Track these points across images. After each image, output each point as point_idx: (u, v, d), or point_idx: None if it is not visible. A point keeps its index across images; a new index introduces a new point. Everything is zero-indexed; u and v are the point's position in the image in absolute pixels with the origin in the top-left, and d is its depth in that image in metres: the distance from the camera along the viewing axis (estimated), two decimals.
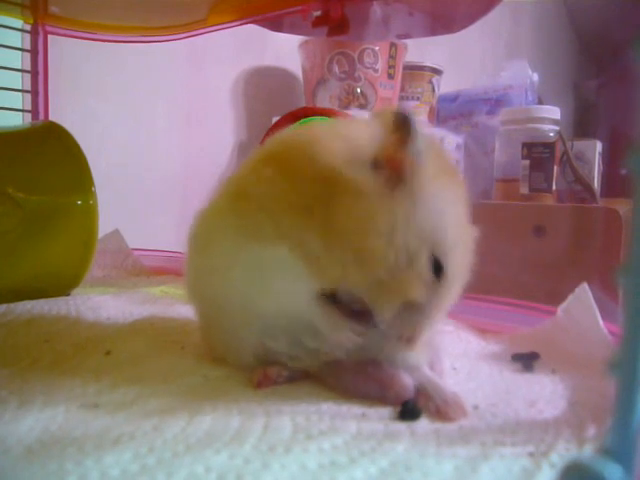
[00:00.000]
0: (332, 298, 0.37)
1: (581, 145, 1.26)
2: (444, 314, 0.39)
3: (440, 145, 0.40)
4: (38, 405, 0.34)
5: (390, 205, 0.34)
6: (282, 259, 0.36)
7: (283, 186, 0.36)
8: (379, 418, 0.34)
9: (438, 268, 0.35)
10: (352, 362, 0.38)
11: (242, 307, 0.39)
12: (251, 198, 0.37)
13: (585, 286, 0.49)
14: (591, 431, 0.33)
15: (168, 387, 0.38)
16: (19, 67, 0.87)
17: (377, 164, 0.35)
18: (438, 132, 1.33)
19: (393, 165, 0.34)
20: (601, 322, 0.46)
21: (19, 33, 0.87)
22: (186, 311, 0.46)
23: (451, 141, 1.34)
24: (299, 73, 1.29)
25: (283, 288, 0.37)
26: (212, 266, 0.40)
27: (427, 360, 0.40)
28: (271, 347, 0.39)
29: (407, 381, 0.37)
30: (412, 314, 0.36)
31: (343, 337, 0.37)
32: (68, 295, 0.66)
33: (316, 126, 0.41)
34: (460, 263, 0.36)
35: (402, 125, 0.34)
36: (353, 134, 0.37)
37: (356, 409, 0.35)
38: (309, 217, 0.35)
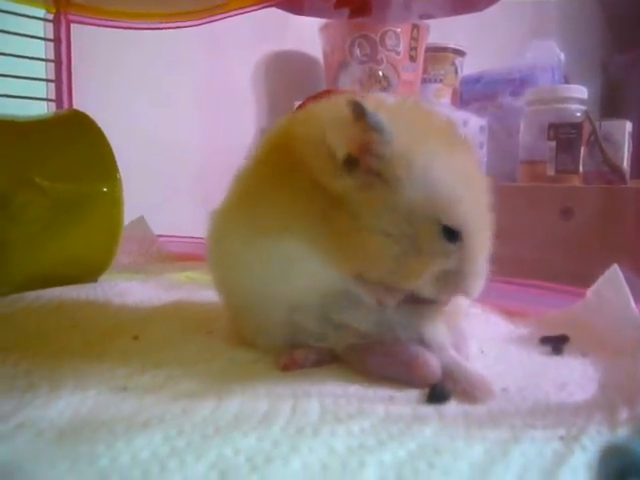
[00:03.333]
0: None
1: (609, 125, 1.23)
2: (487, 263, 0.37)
3: (414, 106, 0.39)
4: (69, 389, 0.35)
5: (378, 196, 0.34)
6: (302, 251, 0.36)
7: (282, 184, 0.37)
8: (407, 401, 0.34)
9: (453, 234, 0.34)
10: (379, 344, 0.38)
11: (269, 292, 0.39)
12: (259, 195, 0.38)
13: (616, 267, 0.48)
14: (624, 414, 0.32)
15: (196, 371, 0.38)
16: (43, 56, 0.87)
17: (351, 162, 0.34)
18: (461, 114, 1.31)
19: (366, 156, 0.34)
20: (633, 304, 0.46)
21: (42, 22, 0.88)
22: (211, 296, 0.47)
23: (475, 123, 1.32)
24: (320, 57, 1.28)
25: (310, 275, 0.37)
26: (234, 259, 0.41)
27: (451, 341, 0.39)
28: (300, 324, 0.40)
29: (434, 363, 0.36)
30: (451, 279, 0.35)
31: (382, 299, 0.36)
32: (96, 282, 0.67)
33: (304, 121, 0.39)
34: (476, 218, 0.35)
35: (358, 114, 0.33)
36: (322, 140, 0.35)
37: (383, 392, 0.35)
38: (314, 219, 0.35)
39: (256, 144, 0.41)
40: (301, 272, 0.37)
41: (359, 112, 0.33)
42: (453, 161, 0.35)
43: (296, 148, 0.37)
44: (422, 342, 0.38)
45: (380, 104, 0.36)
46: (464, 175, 0.35)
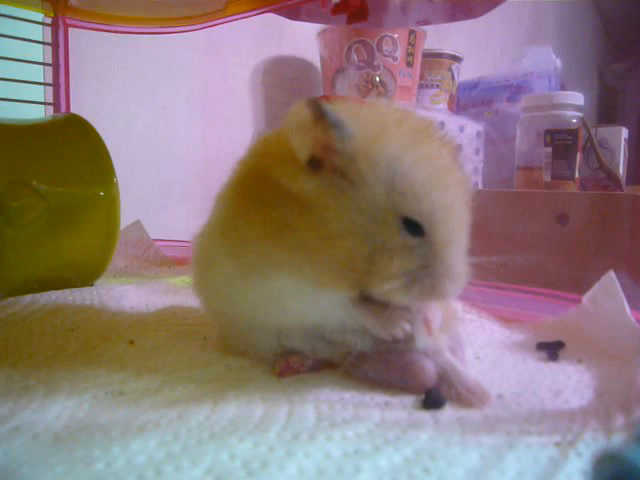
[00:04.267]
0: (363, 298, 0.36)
1: (605, 131, 1.24)
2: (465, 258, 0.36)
3: (376, 105, 0.39)
4: (65, 393, 0.35)
5: (338, 202, 0.33)
6: (291, 285, 0.35)
7: (255, 217, 0.36)
8: (402, 407, 0.34)
9: (414, 227, 0.33)
10: (374, 351, 0.38)
11: (258, 323, 0.39)
12: (236, 231, 0.38)
13: (612, 274, 0.48)
14: (619, 421, 0.32)
15: (192, 376, 0.38)
16: (41, 60, 0.87)
17: (315, 162, 0.34)
18: (458, 120, 1.32)
19: (329, 155, 0.34)
20: (628, 310, 0.46)
21: (40, 26, 0.88)
22: None
23: (471, 129, 1.32)
24: (317, 62, 1.29)
25: (306, 307, 0.37)
26: (221, 291, 0.41)
27: (448, 345, 0.39)
28: (289, 345, 0.39)
29: (430, 368, 0.36)
30: (423, 279, 0.34)
31: (396, 330, 0.36)
32: (92, 285, 0.67)
33: (263, 144, 0.40)
34: (443, 212, 0.34)
35: (318, 113, 0.33)
36: (285, 143, 0.35)
37: (379, 398, 0.35)
38: (288, 240, 0.34)
39: (234, 166, 0.40)
40: (293, 304, 0.37)
41: (318, 112, 0.33)
42: (418, 155, 0.34)
43: (265, 164, 0.36)
44: (418, 344, 0.37)
45: (341, 105, 0.35)
46: (430, 169, 0.34)
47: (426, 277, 0.34)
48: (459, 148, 1.28)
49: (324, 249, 0.34)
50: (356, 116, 0.35)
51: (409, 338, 0.37)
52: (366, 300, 0.36)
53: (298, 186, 0.34)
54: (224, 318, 0.43)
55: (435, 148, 0.35)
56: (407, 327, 0.36)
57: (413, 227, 0.34)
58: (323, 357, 0.40)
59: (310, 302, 0.36)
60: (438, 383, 0.36)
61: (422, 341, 0.37)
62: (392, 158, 0.33)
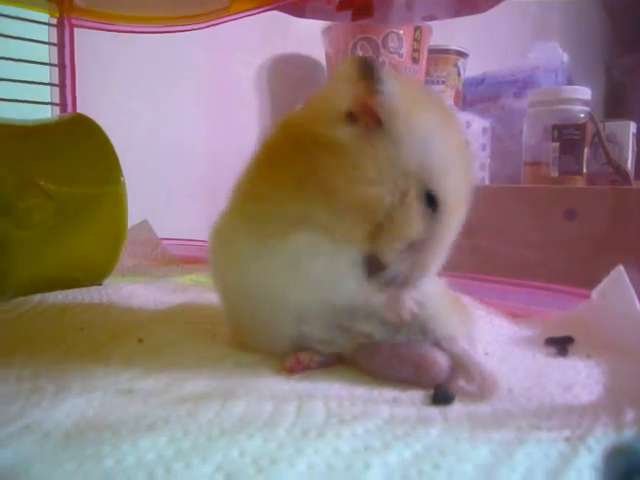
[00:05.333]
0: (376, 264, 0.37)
1: (613, 126, 1.23)
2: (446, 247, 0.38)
3: (418, 83, 0.41)
4: (75, 391, 0.35)
5: (370, 151, 0.35)
6: (308, 243, 0.36)
7: (278, 174, 0.37)
8: (412, 403, 0.34)
9: (433, 200, 0.35)
10: (385, 344, 0.38)
11: (277, 297, 0.39)
12: (257, 196, 0.39)
13: (621, 268, 0.48)
14: (629, 415, 0.32)
15: (201, 374, 0.38)
16: (47, 61, 0.88)
17: (352, 117, 0.35)
18: (464, 116, 1.31)
19: (367, 113, 0.35)
20: (638, 305, 0.45)
21: (46, 27, 0.88)
22: (216, 299, 0.47)
23: (478, 125, 1.32)
24: (323, 59, 1.28)
25: (322, 270, 0.37)
26: (238, 264, 0.41)
27: (464, 332, 0.39)
28: (306, 331, 0.39)
29: (442, 361, 0.36)
30: (416, 252, 0.36)
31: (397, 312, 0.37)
32: (100, 285, 0.67)
33: (292, 113, 0.41)
34: (456, 191, 0.36)
35: (365, 71, 0.34)
36: (328, 95, 0.38)
37: (388, 394, 0.35)
38: (308, 191, 0.36)
39: (254, 147, 0.41)
40: (307, 268, 0.37)
41: (366, 68, 0.34)
42: (447, 135, 0.36)
43: (295, 122, 0.38)
44: (433, 338, 0.38)
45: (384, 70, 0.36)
46: (457, 156, 0.36)
47: (420, 247, 0.36)
48: (483, 148, 1.28)
49: (350, 192, 0.35)
50: (398, 80, 0.36)
51: (418, 327, 0.38)
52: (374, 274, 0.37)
53: (337, 134, 0.35)
54: (241, 303, 0.42)
55: (458, 135, 0.38)
56: (413, 307, 0.37)
57: (431, 201, 0.35)
58: (337, 348, 0.40)
59: (324, 266, 0.37)
60: (448, 378, 0.36)
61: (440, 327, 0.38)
62: (429, 131, 0.35)
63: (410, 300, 0.37)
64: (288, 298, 0.39)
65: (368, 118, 0.35)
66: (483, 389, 0.35)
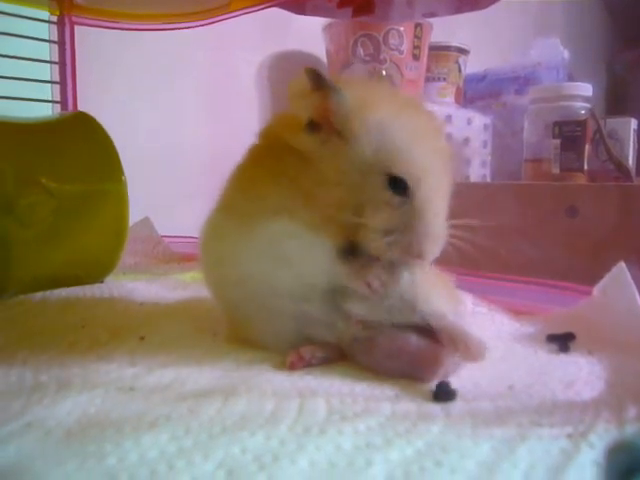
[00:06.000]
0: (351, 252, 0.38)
1: (614, 123, 1.23)
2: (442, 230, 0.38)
3: (370, 81, 0.43)
4: (76, 389, 0.35)
5: (329, 156, 0.37)
6: (286, 228, 0.38)
7: (259, 172, 0.41)
8: (413, 399, 0.34)
9: (400, 184, 0.36)
10: (385, 336, 0.38)
11: (273, 282, 0.40)
12: (243, 191, 0.42)
13: (622, 265, 0.48)
14: (631, 412, 0.32)
15: (202, 371, 0.38)
16: (47, 59, 0.87)
17: (313, 125, 0.38)
18: (465, 113, 1.31)
19: (324, 120, 0.37)
20: (639, 301, 0.45)
21: (46, 25, 0.88)
22: None
23: (479, 122, 1.32)
24: (323, 56, 1.28)
25: (299, 252, 0.39)
26: (227, 255, 0.42)
27: (451, 309, 0.40)
28: (307, 314, 0.40)
29: (440, 354, 0.37)
30: (404, 236, 0.36)
31: (369, 277, 0.37)
32: (102, 282, 0.67)
33: (272, 118, 0.45)
34: (427, 175, 0.37)
35: (316, 82, 0.37)
36: (291, 105, 0.40)
37: (390, 391, 0.35)
38: (283, 188, 0.38)
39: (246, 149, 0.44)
40: (289, 250, 0.39)
41: (317, 80, 0.36)
42: (405, 121, 0.37)
43: (271, 129, 0.42)
44: (421, 315, 0.38)
45: (336, 77, 0.39)
46: (416, 134, 0.37)
47: (406, 235, 0.36)
48: (484, 145, 1.29)
49: (317, 195, 0.37)
50: (351, 84, 0.39)
51: (407, 306, 0.38)
52: (351, 257, 0.38)
53: (299, 142, 0.38)
54: (234, 294, 0.43)
55: (422, 119, 0.39)
56: (382, 276, 0.38)
57: (398, 186, 0.36)
58: (336, 337, 0.40)
59: (301, 249, 0.38)
60: (444, 342, 0.37)
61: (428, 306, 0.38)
62: (382, 121, 0.37)
63: (378, 268, 0.38)
64: (276, 283, 0.40)
65: (326, 125, 0.37)
66: (467, 356, 0.36)
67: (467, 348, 0.36)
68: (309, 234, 0.38)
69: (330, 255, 0.38)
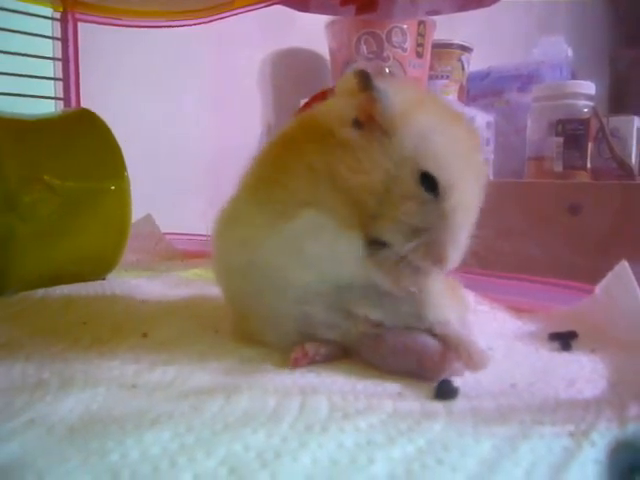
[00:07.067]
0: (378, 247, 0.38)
1: (617, 121, 1.23)
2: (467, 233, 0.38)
3: (415, 84, 0.43)
4: (79, 385, 0.35)
5: (369, 148, 0.37)
6: (312, 223, 0.38)
7: (291, 159, 0.40)
8: (415, 397, 0.34)
9: (432, 183, 0.36)
10: (390, 334, 0.38)
11: (282, 279, 0.40)
12: (269, 179, 0.41)
13: (625, 264, 0.48)
14: (633, 410, 0.32)
15: (204, 368, 0.38)
16: (50, 55, 0.87)
17: (358, 123, 0.38)
18: (468, 111, 1.31)
19: (370, 121, 0.38)
20: None
21: (49, 21, 0.88)
22: (219, 293, 0.47)
23: (482, 119, 1.31)
24: (326, 54, 1.28)
25: (326, 249, 0.38)
26: (245, 245, 0.41)
27: (457, 317, 0.40)
28: (310, 314, 0.40)
29: (445, 352, 0.37)
30: (427, 242, 0.36)
31: (396, 282, 0.38)
32: (104, 279, 0.67)
33: (311, 110, 0.44)
34: (458, 178, 0.37)
35: (364, 84, 0.37)
36: (337, 101, 0.41)
37: (392, 389, 0.35)
38: (316, 176, 0.38)
39: (260, 140, 0.43)
40: (312, 247, 0.38)
41: (365, 81, 0.37)
42: (448, 128, 0.38)
43: (313, 117, 0.41)
44: (427, 322, 0.38)
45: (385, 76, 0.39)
46: (456, 143, 0.38)
47: (430, 237, 0.36)
48: (487, 143, 1.29)
49: (350, 179, 0.37)
50: (397, 85, 0.40)
51: (414, 312, 0.39)
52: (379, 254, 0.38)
53: (342, 133, 0.38)
54: (244, 286, 0.43)
55: (463, 130, 0.40)
56: (412, 276, 0.38)
57: (430, 183, 0.36)
58: (339, 336, 0.40)
59: (326, 245, 0.38)
60: (447, 349, 0.37)
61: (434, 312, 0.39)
62: (426, 124, 0.37)
63: (408, 268, 0.38)
64: (292, 278, 0.39)
65: (371, 125, 0.38)
66: (469, 365, 0.36)
67: (470, 358, 0.36)
68: (337, 230, 0.38)
69: (359, 251, 0.38)
